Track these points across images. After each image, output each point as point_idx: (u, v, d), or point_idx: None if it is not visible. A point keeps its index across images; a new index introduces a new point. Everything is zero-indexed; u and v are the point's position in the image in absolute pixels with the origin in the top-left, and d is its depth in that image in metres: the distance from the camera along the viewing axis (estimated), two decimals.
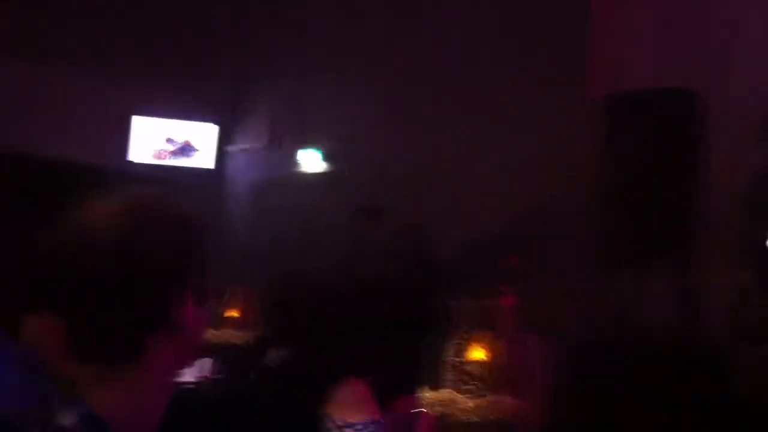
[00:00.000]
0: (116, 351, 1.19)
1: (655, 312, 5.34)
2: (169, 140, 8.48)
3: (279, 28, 8.45)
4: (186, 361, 1.34)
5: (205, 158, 8.66)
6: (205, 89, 8.19)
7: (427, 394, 2.24)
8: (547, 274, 5.97)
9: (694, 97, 5.44)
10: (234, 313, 3.93)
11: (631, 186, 5.46)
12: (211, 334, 3.80)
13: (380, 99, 7.62)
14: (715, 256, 5.30)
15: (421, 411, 2.28)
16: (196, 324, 1.28)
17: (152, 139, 8.36)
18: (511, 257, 6.10)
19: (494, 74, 6.89)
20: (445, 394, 2.20)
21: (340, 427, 2.26)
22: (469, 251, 6.59)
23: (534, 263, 6.13)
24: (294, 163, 8.41)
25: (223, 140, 8.80)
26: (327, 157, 8.31)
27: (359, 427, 2.27)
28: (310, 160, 8.37)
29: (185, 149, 8.56)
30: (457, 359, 2.21)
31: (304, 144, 8.36)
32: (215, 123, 8.68)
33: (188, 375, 3.58)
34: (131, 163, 8.16)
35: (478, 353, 2.21)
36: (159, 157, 8.39)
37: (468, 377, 2.18)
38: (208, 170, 8.63)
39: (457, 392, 2.19)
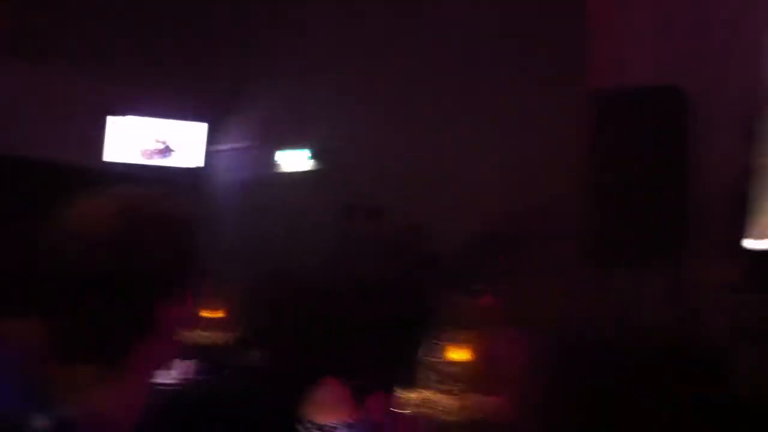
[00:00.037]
0: (96, 353, 1.18)
1: (646, 310, 5.36)
2: (157, 139, 8.46)
3: (270, 28, 8.45)
4: (165, 362, 1.34)
5: (192, 157, 8.64)
6: (194, 88, 8.17)
7: (407, 395, 2.23)
8: (536, 273, 5.97)
9: (684, 94, 5.46)
10: (212, 313, 3.93)
11: (621, 184, 5.48)
12: (189, 335, 3.78)
13: (370, 97, 7.62)
14: (707, 254, 5.32)
15: (401, 411, 2.26)
16: (176, 324, 1.27)
17: (140, 139, 8.34)
18: (496, 255, 6.11)
19: (488, 73, 6.91)
20: (425, 394, 2.20)
21: (315, 429, 2.24)
22: (455, 249, 6.60)
23: (522, 261, 6.14)
24: (281, 162, 8.42)
25: (212, 139, 8.79)
26: (315, 157, 8.31)
27: (336, 428, 2.24)
28: (298, 160, 8.38)
29: (165, 150, 8.55)
30: (437, 359, 2.21)
31: (293, 143, 8.36)
32: (204, 122, 8.66)
33: (167, 375, 3.56)
34: (117, 162, 8.14)
35: (458, 353, 2.21)
36: (147, 157, 8.37)
37: (448, 377, 2.18)
38: (194, 169, 8.62)
39: (437, 392, 2.18)
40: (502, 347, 2.26)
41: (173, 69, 7.74)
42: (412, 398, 2.20)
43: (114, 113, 8.06)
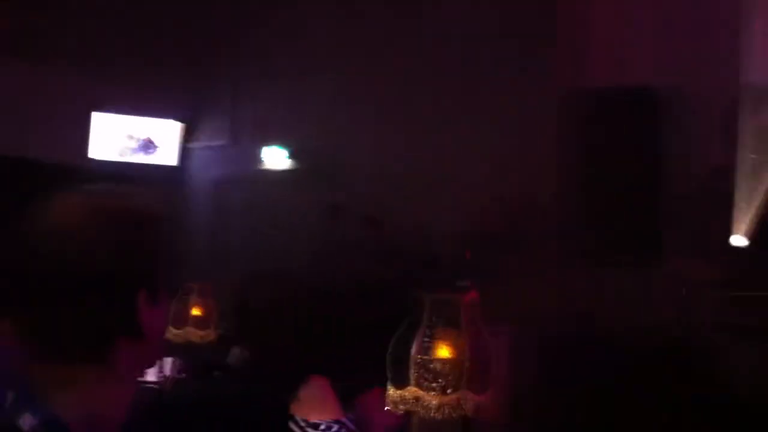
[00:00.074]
0: (76, 352, 1.17)
1: (627, 307, 5.41)
2: (130, 137, 8.37)
3: (245, 27, 8.39)
4: (148, 361, 1.34)
5: (167, 155, 8.57)
6: (168, 86, 8.09)
7: (392, 392, 2.24)
8: (513, 268, 6.01)
9: (655, 94, 5.52)
10: (196, 312, 3.90)
11: (599, 183, 5.52)
12: (173, 333, 3.76)
13: (344, 96, 7.61)
14: (678, 251, 5.38)
15: (386, 409, 2.28)
16: (157, 323, 1.26)
17: (114, 136, 8.25)
18: (476, 251, 6.13)
19: (469, 72, 6.93)
20: (410, 391, 2.20)
21: (302, 428, 2.25)
22: (435, 245, 6.62)
23: (500, 257, 6.17)
24: (257, 160, 8.37)
25: (187, 137, 8.71)
26: (291, 155, 8.28)
27: (322, 427, 2.25)
28: (274, 158, 8.33)
29: (147, 146, 8.47)
30: (422, 357, 2.22)
31: (268, 141, 8.32)
32: (178, 120, 8.59)
33: (150, 374, 3.55)
34: (92, 160, 8.05)
35: (442, 351, 2.22)
36: (122, 155, 8.28)
37: (432, 375, 2.19)
38: (170, 167, 8.54)
39: (422, 390, 2.19)
40: (488, 345, 2.28)
41: (155, 67, 7.67)
42: (400, 396, 2.21)
43: (98, 110, 7.97)
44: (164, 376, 3.71)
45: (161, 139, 8.55)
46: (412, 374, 2.21)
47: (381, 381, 2.29)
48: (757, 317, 4.58)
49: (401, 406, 2.21)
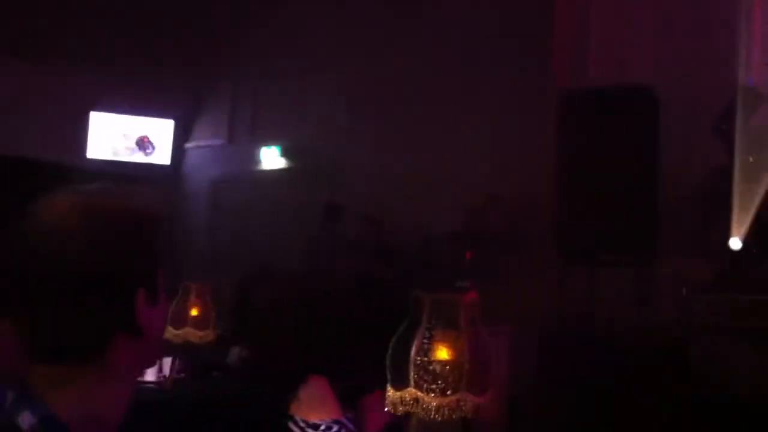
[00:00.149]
0: (75, 352, 1.17)
1: (612, 305, 5.41)
2: (128, 136, 8.37)
3: (244, 27, 8.39)
4: (147, 361, 1.32)
5: (165, 154, 8.56)
6: (166, 85, 8.09)
7: (391, 393, 2.24)
8: (513, 268, 6.02)
9: (653, 94, 5.52)
10: (195, 312, 3.90)
11: (590, 181, 5.52)
12: (172, 333, 3.76)
13: (343, 96, 7.61)
14: (673, 250, 5.38)
15: (385, 410, 2.27)
16: (156, 323, 1.26)
17: (112, 136, 8.24)
18: (473, 252, 6.13)
19: (468, 72, 6.93)
20: (409, 393, 2.20)
21: (301, 428, 2.25)
22: (433, 245, 6.62)
23: (499, 257, 6.17)
24: (255, 159, 8.36)
25: (181, 136, 8.71)
26: (289, 154, 8.27)
27: (322, 427, 2.25)
28: (272, 157, 8.33)
29: (144, 145, 8.46)
30: (421, 358, 2.21)
31: (266, 140, 8.31)
32: (176, 119, 8.58)
33: (149, 374, 3.55)
34: (90, 159, 8.04)
35: (441, 352, 2.22)
36: (120, 154, 8.28)
37: (431, 376, 2.19)
38: (168, 166, 8.54)
39: (421, 391, 2.19)
40: (488, 345, 2.28)
41: (153, 66, 7.66)
42: (399, 397, 2.21)
43: (96, 110, 7.96)
44: (163, 376, 3.71)
45: (159, 139, 8.55)
46: (412, 375, 2.21)
47: (381, 381, 2.29)
48: (754, 319, 4.58)
49: (400, 408, 2.21)
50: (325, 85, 7.62)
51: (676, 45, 5.83)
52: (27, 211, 1.19)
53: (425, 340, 2.22)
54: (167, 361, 3.73)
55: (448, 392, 2.16)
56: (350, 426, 2.29)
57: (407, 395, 2.20)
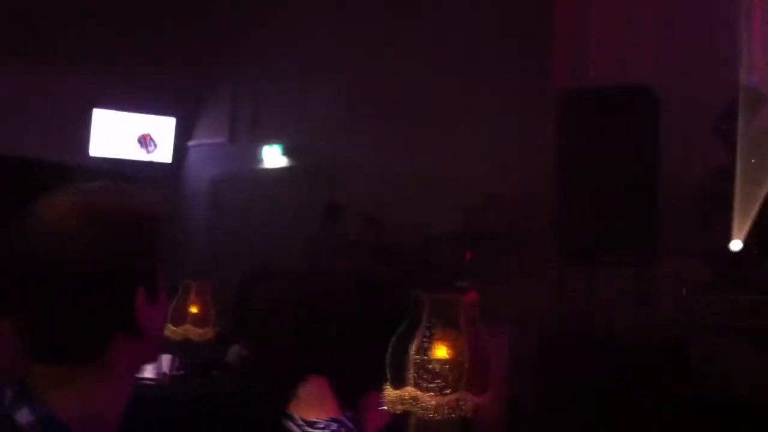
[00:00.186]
0: (75, 352, 1.17)
1: (612, 305, 5.41)
2: (130, 134, 8.36)
3: (244, 26, 8.38)
4: (146, 359, 1.32)
5: (166, 153, 8.55)
6: (167, 83, 8.08)
7: (390, 392, 2.24)
8: (513, 268, 6.02)
9: (653, 94, 5.52)
10: (194, 310, 3.90)
11: (590, 181, 5.52)
12: (172, 331, 3.76)
13: (344, 95, 7.60)
14: (673, 250, 5.38)
15: (383, 409, 2.27)
16: (156, 322, 1.25)
17: (113, 133, 8.24)
18: (473, 252, 6.13)
19: (468, 72, 6.92)
20: (408, 392, 2.20)
21: (300, 426, 2.25)
22: (433, 245, 6.62)
23: (499, 257, 6.17)
24: (255, 158, 8.36)
25: (182, 134, 8.70)
26: (289, 153, 8.27)
27: (320, 425, 2.25)
28: (272, 156, 8.32)
29: (146, 143, 8.46)
30: (420, 357, 2.21)
31: (266, 139, 8.31)
32: (177, 117, 8.58)
33: (148, 372, 3.55)
34: (91, 157, 8.04)
35: (440, 351, 2.22)
36: (121, 152, 8.27)
37: (430, 375, 2.18)
38: (169, 165, 8.53)
39: (420, 390, 2.19)
40: (487, 345, 2.28)
41: (154, 64, 7.65)
42: (395, 396, 2.21)
43: (98, 107, 7.96)
44: (162, 374, 3.71)
45: (160, 137, 8.54)
46: (411, 374, 2.21)
47: (381, 381, 2.29)
48: (754, 320, 4.58)
49: (399, 407, 2.21)
50: (325, 85, 7.61)
51: (676, 45, 5.82)
52: (27, 210, 1.18)
53: (425, 339, 2.22)
54: (166, 359, 3.73)
55: (447, 391, 2.16)
56: (349, 425, 2.29)
57: (406, 394, 2.19)
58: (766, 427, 3.83)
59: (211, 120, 8.85)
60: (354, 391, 2.40)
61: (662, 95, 5.52)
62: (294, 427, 2.30)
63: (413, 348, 2.22)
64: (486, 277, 5.58)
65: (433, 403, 2.17)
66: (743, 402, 3.99)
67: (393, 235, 6.98)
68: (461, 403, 2.16)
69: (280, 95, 8.05)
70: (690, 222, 5.48)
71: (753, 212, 4.78)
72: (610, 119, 5.56)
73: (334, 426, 2.26)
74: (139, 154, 8.44)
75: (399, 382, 2.23)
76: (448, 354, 2.21)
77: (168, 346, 3.66)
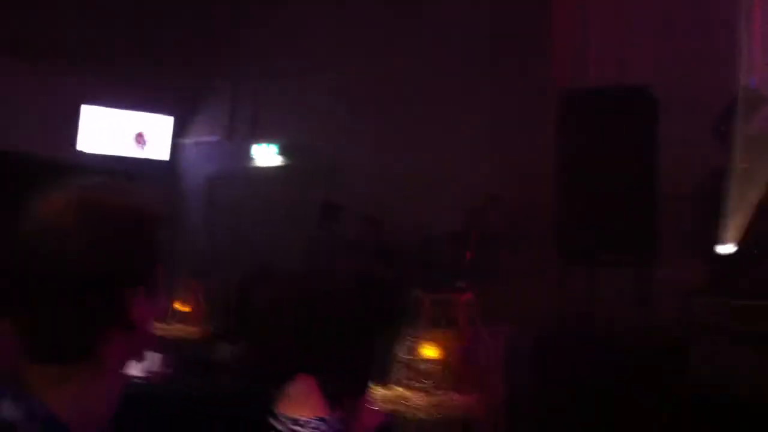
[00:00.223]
0: (69, 350, 1.16)
1: (612, 305, 5.40)
2: (123, 131, 8.36)
3: (243, 25, 8.38)
4: (139, 357, 1.31)
5: (160, 150, 8.55)
6: (162, 80, 8.07)
7: (379, 391, 2.22)
8: (512, 268, 6.01)
9: (653, 94, 5.50)
10: (185, 308, 3.89)
11: (590, 181, 5.51)
12: (161, 329, 3.75)
13: (341, 94, 7.59)
14: (672, 252, 5.37)
15: (374, 407, 2.26)
16: (150, 319, 1.25)
17: (106, 130, 8.23)
18: (473, 252, 6.12)
19: (460, 72, 6.91)
20: (397, 391, 2.19)
21: (287, 425, 2.23)
22: (433, 245, 6.61)
23: (499, 257, 6.16)
24: (251, 157, 8.35)
25: (180, 133, 8.70)
26: (286, 152, 8.26)
27: (308, 424, 2.23)
28: (268, 155, 8.31)
29: (139, 140, 8.45)
30: (410, 357, 2.20)
31: (263, 138, 8.30)
32: (172, 114, 8.57)
33: (138, 369, 3.53)
34: (84, 154, 8.03)
35: (430, 351, 2.21)
36: (114, 149, 8.26)
37: (419, 375, 2.18)
38: (162, 162, 8.53)
39: (409, 390, 2.18)
40: (479, 346, 2.26)
41: (150, 61, 7.65)
42: (385, 394, 2.20)
43: (89, 103, 7.95)
44: (152, 371, 3.70)
45: (154, 134, 8.54)
46: (400, 374, 2.20)
47: (369, 379, 2.27)
48: (753, 321, 4.56)
49: (388, 405, 2.19)
50: (324, 84, 7.60)
51: (677, 45, 5.80)
52: (23, 208, 1.17)
53: (414, 340, 2.21)
54: (156, 357, 3.73)
55: (436, 392, 2.15)
56: (336, 425, 2.27)
57: (395, 393, 2.18)
58: (766, 427, 3.81)
59: (209, 118, 8.84)
60: (343, 391, 2.38)
61: (662, 95, 5.50)
62: (281, 426, 2.28)
63: (404, 348, 2.21)
64: (486, 277, 5.56)
65: (421, 402, 2.16)
66: (742, 402, 3.97)
67: (393, 235, 6.97)
68: (449, 403, 2.15)
69: (277, 94, 8.05)
70: (690, 222, 5.46)
71: (744, 216, 4.76)
72: (610, 119, 5.55)
73: (321, 425, 2.24)
74: (136, 152, 8.44)
75: (390, 381, 2.22)
76: (436, 354, 2.20)
77: (161, 343, 3.65)
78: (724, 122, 5.00)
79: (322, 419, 2.24)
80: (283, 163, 8.23)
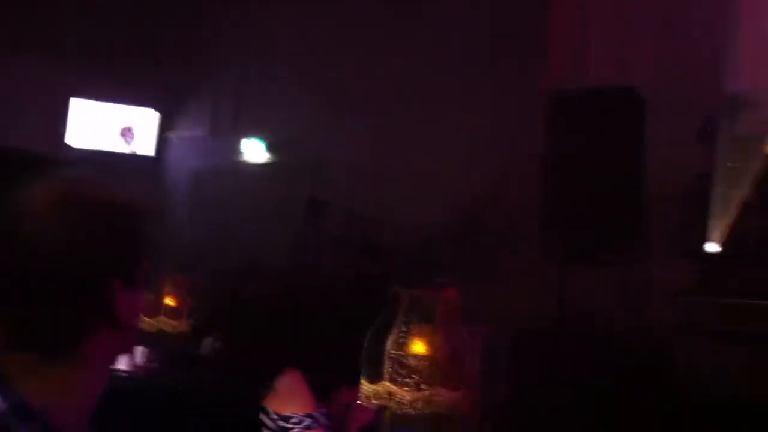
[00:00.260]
0: (51, 342, 1.15)
1: (598, 304, 5.42)
2: (109, 125, 8.31)
3: (228, 18, 8.35)
4: (123, 351, 1.30)
5: (146, 145, 8.51)
6: (148, 74, 8.03)
7: (366, 387, 2.22)
8: (492, 265, 6.01)
9: (639, 95, 5.52)
10: (169, 302, 3.87)
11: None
12: (146, 323, 3.73)
13: (324, 90, 7.57)
14: (658, 252, 5.39)
15: (359, 403, 2.25)
16: (134, 313, 1.24)
17: (92, 124, 8.19)
18: (460, 248, 6.13)
19: (451, 72, 6.91)
20: (383, 386, 2.18)
21: (274, 420, 2.22)
22: (413, 242, 6.61)
23: (484, 255, 6.17)
24: (237, 152, 8.33)
25: (166, 127, 8.66)
26: (271, 147, 8.24)
27: (293, 420, 2.23)
28: (254, 150, 8.30)
29: (126, 135, 8.41)
30: (396, 352, 2.19)
31: (248, 133, 8.28)
32: (158, 109, 8.53)
33: (121, 363, 3.52)
34: (70, 147, 7.98)
35: (417, 346, 2.20)
36: (101, 143, 8.22)
37: (406, 370, 2.17)
38: (149, 157, 8.49)
39: (395, 385, 2.17)
40: (464, 342, 2.26)
41: (135, 55, 7.62)
42: (371, 390, 2.19)
43: (76, 96, 7.91)
44: (135, 365, 3.68)
45: (140, 128, 8.49)
46: (386, 369, 2.19)
47: (357, 375, 2.27)
48: (751, 322, 4.59)
49: (374, 401, 2.19)
50: (309, 78, 7.59)
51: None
52: (3, 199, 1.15)
53: (401, 334, 2.20)
54: (139, 350, 3.71)
55: (423, 386, 2.14)
56: (322, 420, 2.26)
57: (381, 388, 2.17)
58: (764, 427, 3.84)
59: (192, 112, 8.80)
60: (331, 386, 2.38)
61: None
62: (268, 421, 2.27)
63: (389, 342, 2.20)
64: (468, 275, 5.56)
65: (408, 397, 2.15)
66: (742, 402, 4.00)
67: (382, 231, 6.96)
68: (435, 399, 2.14)
69: (263, 88, 8.03)
70: (678, 223, 5.48)
71: (729, 217, 4.79)
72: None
73: (307, 421, 2.24)
74: (121, 146, 8.40)
75: (374, 377, 2.21)
76: (423, 349, 2.19)
77: (141, 337, 3.63)
78: (710, 124, 5.03)
79: (309, 415, 2.24)
80: (271, 159, 8.22)
